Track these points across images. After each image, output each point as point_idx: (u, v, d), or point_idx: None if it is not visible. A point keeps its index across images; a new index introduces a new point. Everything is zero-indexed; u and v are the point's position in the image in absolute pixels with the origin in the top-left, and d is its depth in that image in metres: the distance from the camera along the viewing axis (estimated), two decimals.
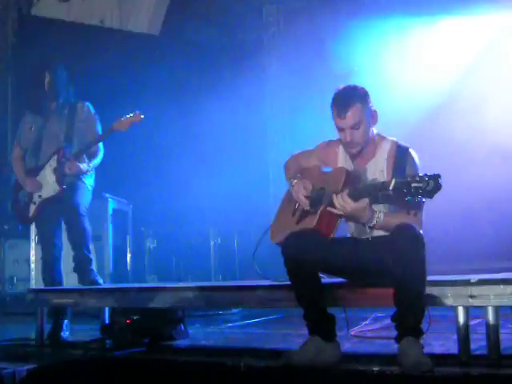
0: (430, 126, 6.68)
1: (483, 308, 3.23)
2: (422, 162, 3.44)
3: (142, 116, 4.82)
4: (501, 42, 6.74)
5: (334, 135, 3.49)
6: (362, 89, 3.44)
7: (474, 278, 3.28)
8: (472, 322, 3.72)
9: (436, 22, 6.86)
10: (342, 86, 3.46)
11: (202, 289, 4.02)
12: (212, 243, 7.48)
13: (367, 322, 4.54)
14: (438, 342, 3.73)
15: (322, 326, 3.30)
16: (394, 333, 3.19)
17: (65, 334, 4.70)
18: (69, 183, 4.86)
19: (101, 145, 4.98)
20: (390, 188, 3.09)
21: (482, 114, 6.47)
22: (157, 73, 7.83)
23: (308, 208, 3.50)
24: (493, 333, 3.18)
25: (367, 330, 4.32)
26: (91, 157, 4.94)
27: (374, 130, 3.46)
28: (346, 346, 3.73)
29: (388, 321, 3.37)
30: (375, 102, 3.46)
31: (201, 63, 7.88)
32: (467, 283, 3.25)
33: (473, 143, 6.47)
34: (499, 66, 6.61)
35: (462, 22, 6.89)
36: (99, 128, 5.00)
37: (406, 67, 6.80)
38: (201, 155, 7.70)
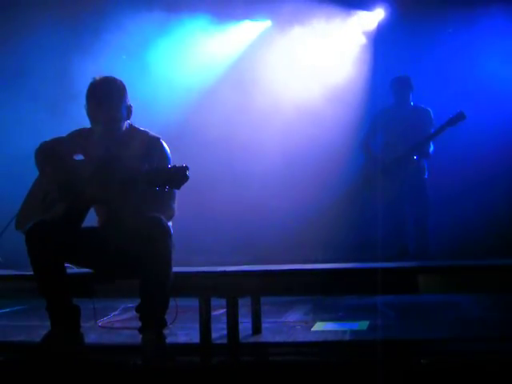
0: (189, 119, 6.92)
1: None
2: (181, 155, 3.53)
3: None
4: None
5: None
6: (120, 81, 3.43)
7: (215, 269, 3.43)
8: (218, 312, 3.91)
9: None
10: (99, 77, 3.40)
11: None
12: None
13: (116, 312, 4.53)
14: (183, 331, 3.83)
15: (65, 318, 3.22)
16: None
17: None
18: None
19: None
20: (141, 177, 3.12)
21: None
22: None
23: (58, 196, 3.39)
24: (232, 322, 3.34)
25: (116, 321, 4.30)
26: None
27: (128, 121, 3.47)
28: (92, 337, 3.69)
29: None
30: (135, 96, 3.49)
31: None
32: (209, 274, 3.39)
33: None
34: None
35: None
36: None
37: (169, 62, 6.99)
38: None
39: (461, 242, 6.47)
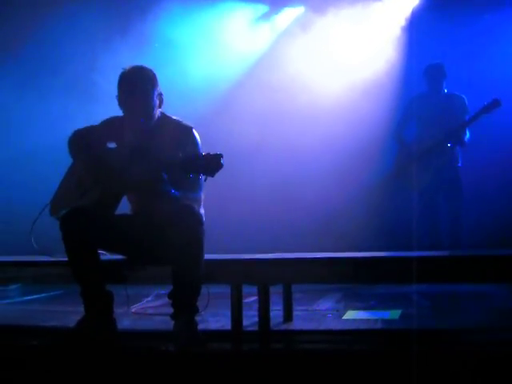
0: (219, 109, 6.90)
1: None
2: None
3: None
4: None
5: None
6: (151, 70, 3.45)
7: (247, 257, 3.43)
8: (250, 299, 3.92)
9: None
10: (129, 66, 3.44)
11: None
12: None
13: (149, 298, 4.57)
14: (215, 318, 3.85)
15: (98, 304, 3.26)
16: None
17: None
18: None
19: None
20: (175, 165, 3.13)
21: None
22: None
23: (91, 184, 3.43)
24: (263, 310, 3.35)
25: (149, 307, 4.34)
26: None
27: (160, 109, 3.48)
28: (125, 323, 3.73)
29: None
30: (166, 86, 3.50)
31: None
32: (240, 262, 3.39)
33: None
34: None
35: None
36: None
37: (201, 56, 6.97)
38: None
39: (497, 232, 6.35)
